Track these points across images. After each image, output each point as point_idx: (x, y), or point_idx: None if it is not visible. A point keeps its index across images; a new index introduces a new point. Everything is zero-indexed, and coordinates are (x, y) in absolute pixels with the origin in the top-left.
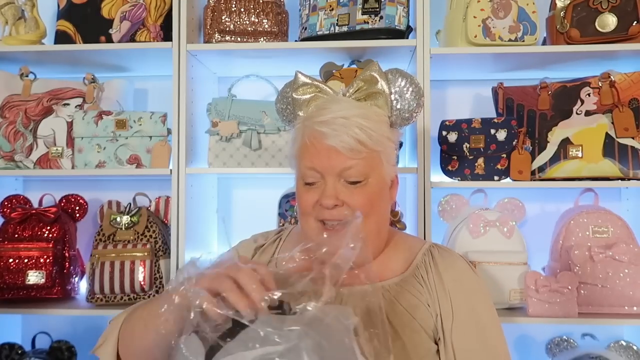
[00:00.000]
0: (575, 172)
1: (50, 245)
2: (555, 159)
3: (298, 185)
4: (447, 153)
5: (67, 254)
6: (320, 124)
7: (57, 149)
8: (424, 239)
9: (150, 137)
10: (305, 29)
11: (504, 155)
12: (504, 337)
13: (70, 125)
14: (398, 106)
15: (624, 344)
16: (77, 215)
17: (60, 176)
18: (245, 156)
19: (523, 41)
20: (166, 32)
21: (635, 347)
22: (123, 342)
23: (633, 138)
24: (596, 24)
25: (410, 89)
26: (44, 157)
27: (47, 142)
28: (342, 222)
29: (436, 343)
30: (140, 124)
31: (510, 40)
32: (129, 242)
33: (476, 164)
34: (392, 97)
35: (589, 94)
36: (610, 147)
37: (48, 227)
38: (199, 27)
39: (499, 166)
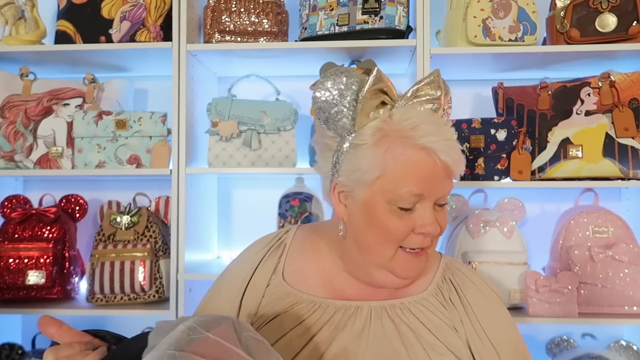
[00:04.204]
0: (575, 172)
1: (50, 245)
2: (555, 159)
3: (377, 204)
4: None
5: (67, 254)
6: (431, 141)
7: (57, 149)
8: None
9: (150, 137)
10: (305, 29)
11: (504, 155)
12: (526, 346)
13: (70, 125)
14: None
15: (624, 344)
16: (77, 215)
17: (60, 176)
18: (245, 156)
19: (523, 41)
20: (166, 32)
21: (635, 347)
22: None
23: (633, 138)
24: (596, 24)
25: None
26: (44, 157)
27: (47, 142)
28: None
29: None
30: (140, 124)
31: (510, 40)
32: (129, 242)
33: (476, 164)
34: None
35: (589, 94)
36: (610, 147)
37: (48, 227)
38: (199, 27)
39: (499, 166)
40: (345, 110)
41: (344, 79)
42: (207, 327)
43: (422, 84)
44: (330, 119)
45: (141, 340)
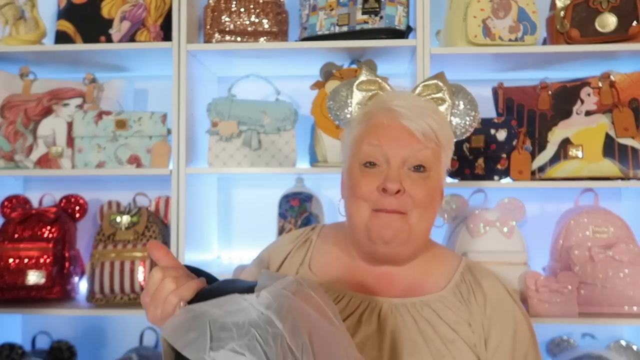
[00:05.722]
0: (575, 172)
1: (50, 245)
2: (555, 159)
3: (353, 168)
4: None
5: (67, 254)
6: (397, 105)
7: (57, 149)
8: None
9: (150, 137)
10: (305, 29)
11: (504, 155)
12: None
13: (70, 125)
14: (454, 120)
15: (624, 344)
16: (77, 215)
17: (60, 176)
18: (245, 156)
19: (523, 41)
20: (166, 32)
21: (635, 347)
22: None
23: (633, 138)
24: (596, 24)
25: (468, 106)
26: (44, 157)
27: (47, 142)
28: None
29: None
30: (140, 124)
31: (510, 40)
32: (129, 242)
33: (476, 164)
34: (452, 109)
35: (589, 94)
36: (610, 147)
37: (48, 227)
38: (199, 27)
39: (499, 166)
40: (350, 107)
41: (339, 88)
42: (309, 287)
43: (422, 84)
44: (337, 110)
45: (242, 283)
